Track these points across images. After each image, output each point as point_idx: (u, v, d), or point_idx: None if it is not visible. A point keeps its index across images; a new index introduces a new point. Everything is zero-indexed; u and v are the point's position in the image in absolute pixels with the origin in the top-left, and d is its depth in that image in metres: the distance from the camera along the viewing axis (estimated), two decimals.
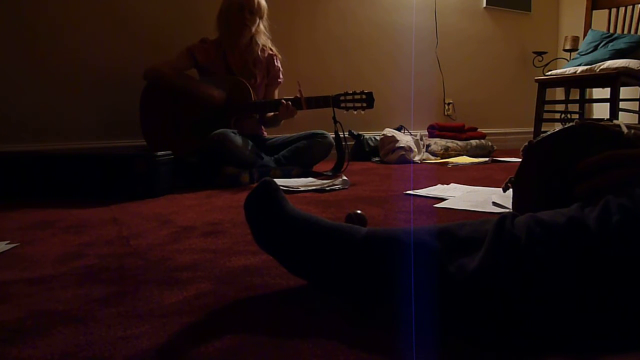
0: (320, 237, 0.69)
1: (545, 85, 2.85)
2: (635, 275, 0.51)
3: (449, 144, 3.10)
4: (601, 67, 2.59)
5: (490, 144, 3.30)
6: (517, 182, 0.89)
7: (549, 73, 2.88)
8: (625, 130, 0.71)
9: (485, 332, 0.57)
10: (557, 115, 3.36)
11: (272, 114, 2.35)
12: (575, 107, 3.52)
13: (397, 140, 2.84)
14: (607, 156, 0.63)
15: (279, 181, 1.87)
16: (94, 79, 2.47)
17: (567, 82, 2.93)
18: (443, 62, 3.57)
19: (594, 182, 0.63)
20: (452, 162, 2.72)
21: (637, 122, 2.97)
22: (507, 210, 1.22)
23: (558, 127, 0.84)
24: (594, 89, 3.55)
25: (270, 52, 2.41)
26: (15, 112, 2.32)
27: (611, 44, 2.78)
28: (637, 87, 2.85)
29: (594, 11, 3.07)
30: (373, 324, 0.62)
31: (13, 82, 2.31)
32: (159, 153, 1.78)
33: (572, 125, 0.79)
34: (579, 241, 0.53)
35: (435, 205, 1.45)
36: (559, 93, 3.81)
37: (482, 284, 0.55)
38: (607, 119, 0.78)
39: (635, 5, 2.88)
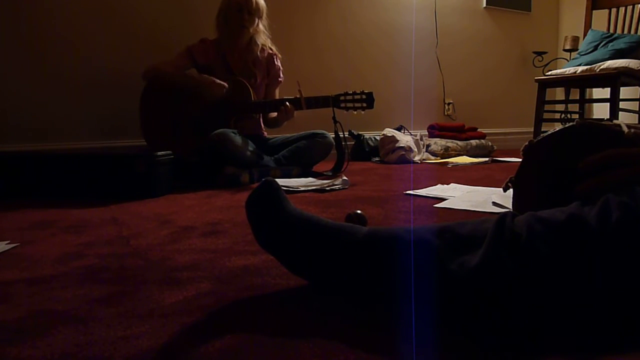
0: (321, 236, 0.69)
1: (545, 85, 2.84)
2: (635, 272, 0.51)
3: (449, 144, 3.09)
4: (601, 67, 2.59)
5: (490, 144, 3.30)
6: (518, 181, 0.89)
7: (549, 73, 2.88)
8: (625, 129, 0.71)
9: (485, 329, 0.57)
10: (557, 115, 3.36)
11: (274, 114, 2.35)
12: (575, 107, 3.52)
13: (397, 140, 2.84)
14: (608, 155, 0.63)
15: (279, 181, 1.87)
16: (94, 79, 2.46)
17: (567, 82, 2.93)
18: (443, 62, 3.57)
19: (594, 181, 0.63)
20: (452, 162, 2.72)
21: (637, 122, 2.96)
22: (507, 210, 1.22)
23: (558, 127, 0.83)
24: (594, 89, 3.55)
25: (270, 51, 2.41)
26: (15, 112, 2.32)
27: (611, 44, 2.77)
28: (637, 87, 2.85)
29: (594, 11, 3.07)
30: (373, 324, 0.62)
31: (13, 82, 2.31)
32: (159, 153, 1.78)
33: (573, 125, 0.79)
34: (579, 237, 0.53)
35: (435, 205, 1.45)
36: (559, 93, 3.81)
37: (483, 281, 0.55)
38: (607, 119, 0.78)
39: (635, 5, 2.88)
